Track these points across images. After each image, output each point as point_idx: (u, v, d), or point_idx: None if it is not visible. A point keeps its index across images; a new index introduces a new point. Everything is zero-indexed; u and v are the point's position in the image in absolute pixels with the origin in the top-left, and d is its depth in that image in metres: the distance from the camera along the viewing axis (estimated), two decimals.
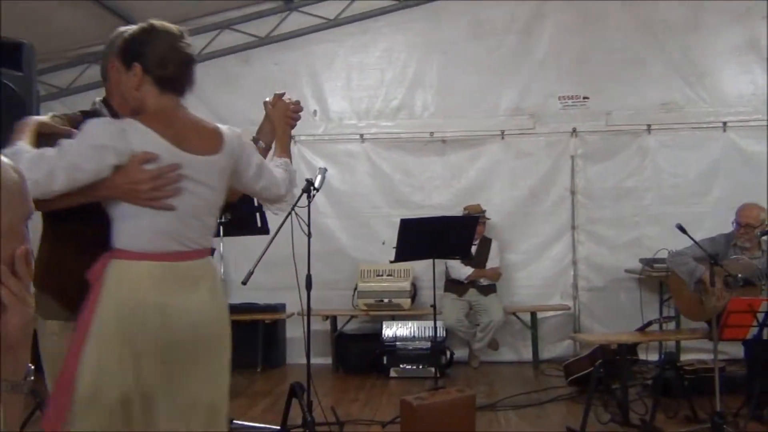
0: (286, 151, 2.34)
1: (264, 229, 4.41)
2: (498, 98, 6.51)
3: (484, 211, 6.19)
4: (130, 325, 1.82)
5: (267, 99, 2.42)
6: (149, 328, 1.84)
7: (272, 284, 5.64)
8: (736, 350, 5.00)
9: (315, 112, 6.60)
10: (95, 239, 1.91)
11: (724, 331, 3.99)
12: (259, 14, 6.60)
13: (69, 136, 1.89)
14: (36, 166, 1.72)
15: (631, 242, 6.33)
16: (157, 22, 2.01)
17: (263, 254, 3.89)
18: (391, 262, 4.95)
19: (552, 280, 6.47)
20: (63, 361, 1.86)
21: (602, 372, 4.36)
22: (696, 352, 5.68)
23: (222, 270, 4.62)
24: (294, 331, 6.03)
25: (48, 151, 1.78)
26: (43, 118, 1.98)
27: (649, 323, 4.95)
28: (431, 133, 6.49)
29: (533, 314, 6.21)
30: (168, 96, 1.96)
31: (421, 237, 4.71)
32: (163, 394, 1.87)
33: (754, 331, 3.98)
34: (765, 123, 6.24)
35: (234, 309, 6.30)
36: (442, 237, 4.73)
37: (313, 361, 4.18)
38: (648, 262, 5.74)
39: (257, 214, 4.50)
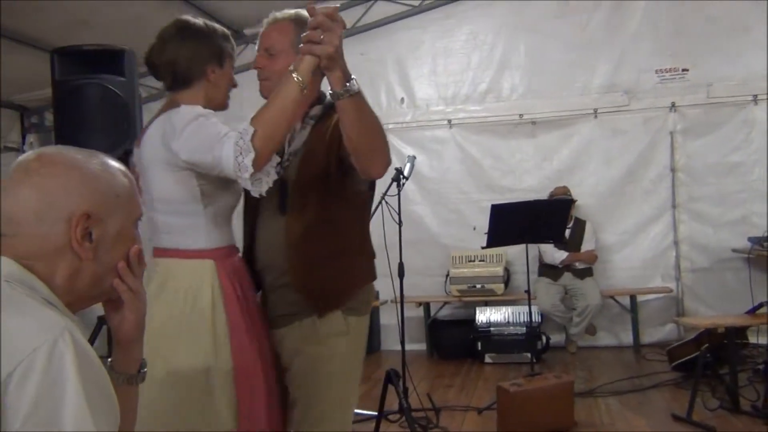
0: (278, 97, 1.79)
1: None
2: (589, 76, 6.30)
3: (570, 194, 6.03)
4: None
5: None
6: None
7: None
8: None
9: (402, 99, 6.63)
10: None
11: None
12: (345, 5, 6.66)
13: None
14: None
15: (737, 220, 6.00)
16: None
17: None
18: (483, 247, 4.92)
19: (652, 262, 6.23)
20: None
21: (709, 357, 4.17)
22: None
23: None
24: (388, 318, 6.10)
25: None
26: None
27: (761, 305, 4.68)
28: (520, 115, 6.36)
29: (633, 297, 6.01)
30: (179, 92, 2.01)
31: (513, 222, 4.65)
32: None
33: None
34: None
35: None
36: (535, 221, 4.66)
37: (407, 347, 4.22)
38: (758, 241, 5.43)
39: None
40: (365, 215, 2.19)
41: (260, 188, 1.80)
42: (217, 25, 2.08)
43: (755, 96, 6.01)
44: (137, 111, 3.03)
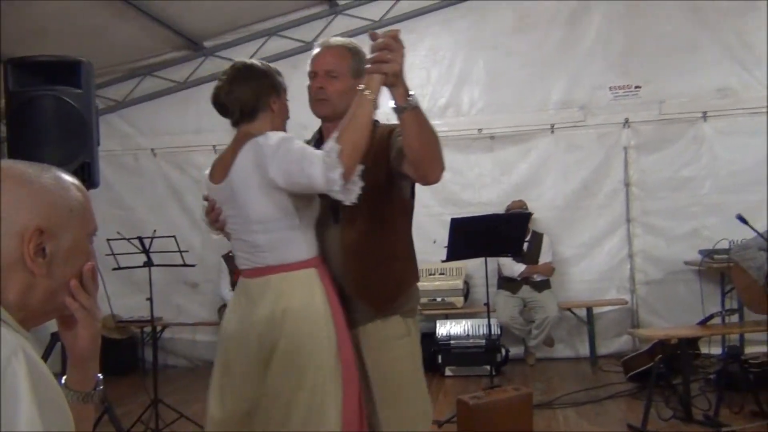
0: (355, 118, 1.94)
1: None
2: (547, 92, 6.43)
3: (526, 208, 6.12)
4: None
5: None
6: (224, 331, 2.22)
7: None
8: None
9: None
10: None
11: None
12: (306, 19, 6.69)
13: None
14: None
15: (689, 233, 6.17)
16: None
17: None
18: (443, 261, 4.95)
19: (607, 274, 6.36)
20: None
21: (663, 367, 4.27)
22: (761, 345, 5.50)
23: None
24: None
25: None
26: None
27: (711, 316, 4.81)
28: (479, 130, 6.46)
29: (589, 309, 6.11)
30: (242, 125, 2.22)
31: (473, 235, 4.70)
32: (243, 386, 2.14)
33: None
34: None
35: None
36: (494, 235, 4.71)
37: None
38: (708, 254, 5.58)
39: None
40: (410, 221, 2.40)
41: (351, 197, 1.96)
42: (269, 64, 2.33)
43: (704, 113, 6.21)
44: (94, 123, 2.98)
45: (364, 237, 2.20)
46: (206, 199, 2.23)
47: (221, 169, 2.17)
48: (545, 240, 6.19)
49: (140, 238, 4.47)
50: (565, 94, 6.43)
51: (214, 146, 6.75)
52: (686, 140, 6.27)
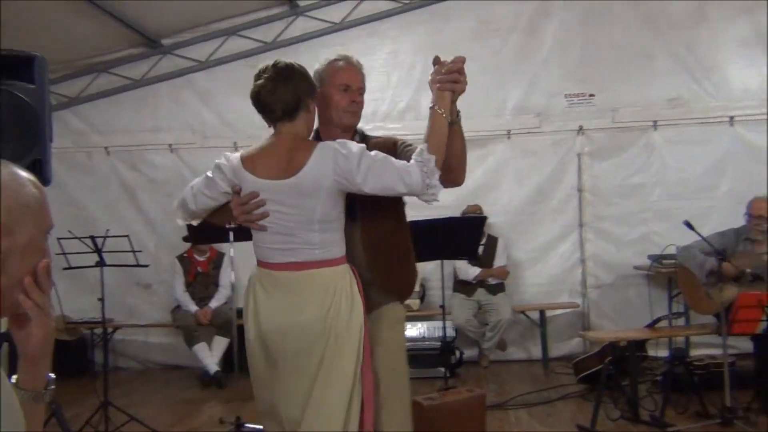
0: (434, 130, 2.22)
1: None
2: (504, 98, 6.53)
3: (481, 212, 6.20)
4: (249, 311, 2.33)
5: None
6: (258, 316, 2.29)
7: None
8: (746, 345, 5.01)
9: None
10: None
11: (733, 326, 4.02)
12: (266, 20, 6.65)
13: None
14: (184, 192, 2.35)
15: (639, 239, 6.34)
16: (259, 67, 2.37)
17: None
18: None
19: (560, 278, 6.49)
20: None
21: (612, 369, 4.38)
22: (705, 348, 5.68)
23: (233, 275, 4.67)
24: None
25: (195, 180, 2.37)
26: None
27: (658, 319, 4.97)
28: None
29: (542, 312, 6.22)
30: (280, 124, 2.32)
31: (429, 238, 4.73)
32: (268, 376, 2.30)
33: (763, 325, 3.99)
34: None
35: None
36: (450, 238, 4.76)
37: None
38: (656, 259, 5.73)
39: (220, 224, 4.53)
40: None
41: (437, 198, 2.24)
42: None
43: (655, 122, 6.39)
44: (47, 119, 2.92)
45: (386, 234, 2.48)
46: (235, 190, 2.30)
47: (275, 167, 2.24)
48: (500, 244, 6.28)
49: (92, 238, 4.39)
50: (522, 100, 6.54)
51: (170, 145, 6.69)
52: (637, 148, 6.44)
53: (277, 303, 2.26)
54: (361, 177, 2.16)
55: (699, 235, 4.26)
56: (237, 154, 2.32)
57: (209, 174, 2.34)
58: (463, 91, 2.25)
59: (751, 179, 5.89)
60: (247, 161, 2.29)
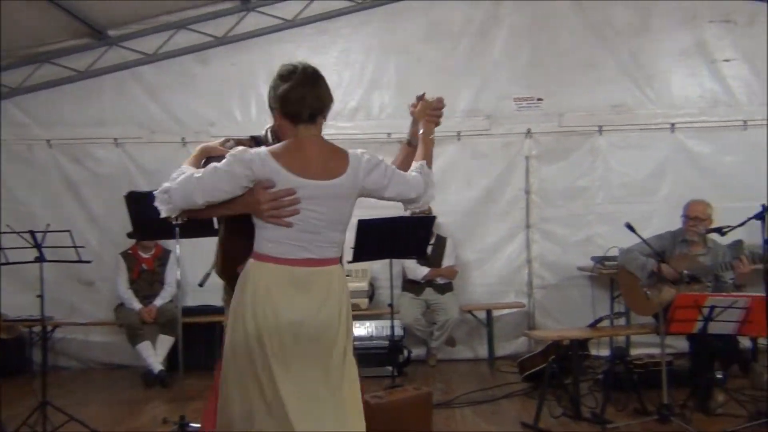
0: (427, 152, 2.58)
1: None
2: (454, 99, 6.56)
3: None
4: (256, 308, 2.28)
5: (412, 104, 2.71)
6: (266, 313, 2.27)
7: None
8: (683, 345, 5.18)
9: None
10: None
11: (671, 326, 4.15)
12: (217, 14, 6.56)
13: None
14: (184, 185, 2.25)
15: (583, 241, 6.49)
16: (284, 68, 2.44)
17: None
18: (349, 262, 4.98)
19: (507, 278, 6.59)
20: None
21: (555, 368, 4.47)
22: (645, 347, 5.87)
23: (179, 272, 4.59)
24: None
25: (198, 172, 2.28)
26: (214, 143, 2.51)
27: (600, 319, 5.11)
28: (389, 134, 6.52)
29: (489, 312, 6.31)
30: (302, 126, 2.35)
31: (378, 237, 4.76)
32: (282, 372, 2.27)
33: (699, 325, 4.13)
34: (711, 124, 6.48)
35: (191, 311, 6.28)
36: (399, 237, 4.79)
37: None
38: (599, 260, 5.90)
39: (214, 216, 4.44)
40: None
41: (429, 203, 2.60)
42: None
43: (600, 127, 6.55)
44: None
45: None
46: (266, 186, 2.29)
47: (312, 167, 2.31)
48: (449, 244, 6.34)
49: (32, 232, 4.25)
50: (472, 102, 6.62)
51: (115, 139, 6.54)
52: (583, 152, 6.60)
53: (294, 299, 2.29)
54: (386, 185, 2.41)
55: (639, 237, 4.39)
56: (262, 150, 2.29)
57: (225, 167, 2.26)
58: (440, 123, 2.70)
59: (689, 185, 6.12)
60: (281, 159, 2.28)
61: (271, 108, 2.43)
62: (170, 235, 4.31)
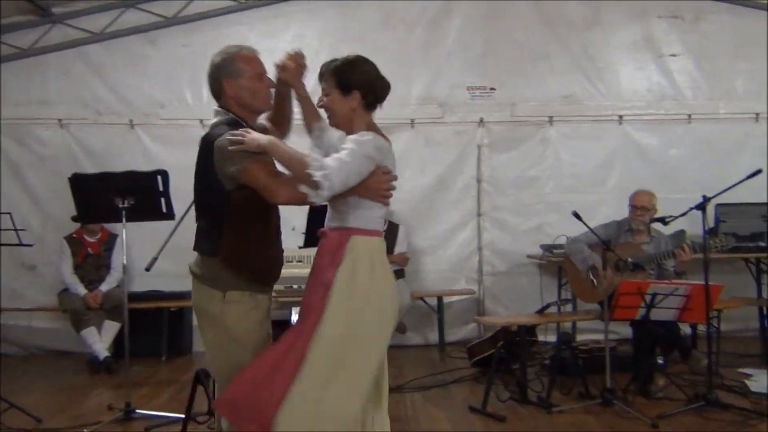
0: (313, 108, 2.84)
1: (169, 215, 4.30)
2: (408, 87, 6.59)
3: None
4: (370, 278, 2.44)
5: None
6: (385, 282, 2.49)
7: (177, 271, 5.49)
8: (627, 331, 5.32)
9: None
10: (271, 228, 2.65)
11: (614, 312, 4.27)
12: None
13: None
14: (342, 169, 2.30)
15: (533, 229, 6.60)
16: (359, 56, 2.58)
17: (168, 240, 3.83)
18: (300, 247, 4.96)
19: (458, 266, 6.66)
20: (247, 321, 2.62)
21: (503, 353, 4.56)
22: (590, 333, 6.01)
23: (125, 257, 4.51)
24: None
25: (345, 157, 2.34)
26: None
27: (548, 306, 5.22)
28: None
29: (440, 298, 6.37)
30: (371, 113, 2.56)
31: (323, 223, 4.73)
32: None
33: (641, 312, 4.26)
34: (657, 117, 6.65)
35: (137, 296, 6.17)
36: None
37: None
38: (548, 248, 6.01)
39: (162, 199, 4.36)
40: None
41: None
42: None
43: (551, 117, 6.66)
44: None
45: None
46: (386, 170, 2.49)
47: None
48: (401, 231, 6.36)
49: None
50: (426, 90, 6.64)
51: (60, 120, 6.36)
52: (534, 142, 6.70)
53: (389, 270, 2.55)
54: None
55: (586, 225, 4.49)
56: (379, 137, 2.49)
57: (363, 152, 2.39)
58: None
59: (636, 176, 6.28)
60: (386, 143, 2.51)
61: (348, 88, 2.51)
62: (116, 219, 4.21)
